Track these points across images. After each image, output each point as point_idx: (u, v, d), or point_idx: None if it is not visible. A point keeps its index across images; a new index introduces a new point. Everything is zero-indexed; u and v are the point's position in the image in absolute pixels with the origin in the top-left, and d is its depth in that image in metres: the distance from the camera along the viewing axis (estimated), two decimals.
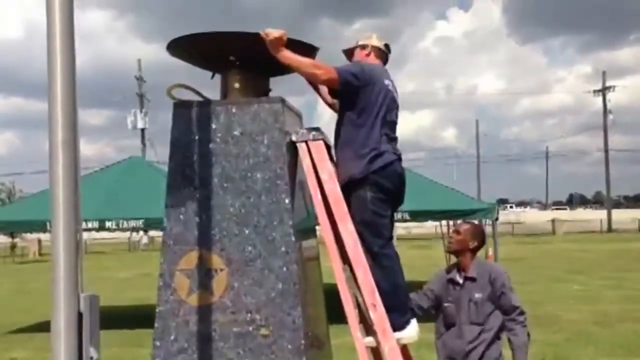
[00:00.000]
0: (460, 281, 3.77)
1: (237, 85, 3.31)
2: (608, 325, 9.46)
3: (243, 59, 3.27)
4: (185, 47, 3.32)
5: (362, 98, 3.32)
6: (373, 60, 3.57)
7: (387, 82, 3.45)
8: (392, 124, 3.45)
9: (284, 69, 3.35)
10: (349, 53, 3.66)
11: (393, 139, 3.44)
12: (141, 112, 46.41)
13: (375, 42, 3.62)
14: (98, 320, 1.80)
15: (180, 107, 3.24)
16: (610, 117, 49.27)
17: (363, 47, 3.60)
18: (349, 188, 3.27)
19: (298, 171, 3.36)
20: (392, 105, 3.43)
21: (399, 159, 3.44)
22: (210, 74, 3.49)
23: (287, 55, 3.14)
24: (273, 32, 3.09)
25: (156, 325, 3.09)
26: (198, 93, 3.36)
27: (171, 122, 3.24)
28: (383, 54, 3.64)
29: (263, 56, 3.14)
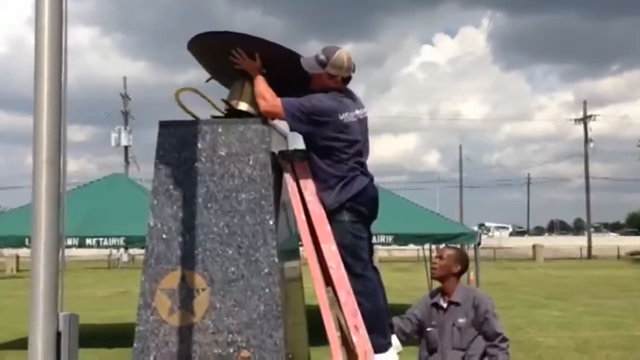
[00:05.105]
0: (445, 305, 3.77)
1: None
2: (587, 351, 9.47)
3: (272, 71, 3.27)
4: (215, 43, 3.30)
5: (319, 136, 3.24)
6: (339, 87, 3.31)
7: (350, 112, 3.27)
8: (362, 149, 3.36)
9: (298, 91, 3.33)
10: (313, 77, 3.31)
11: (363, 163, 3.37)
12: (125, 129, 46.30)
13: (345, 72, 3.29)
14: (77, 340, 1.77)
15: (166, 126, 3.23)
16: (591, 145, 50.04)
17: (331, 76, 3.28)
18: (328, 215, 3.26)
19: (282, 192, 3.36)
20: (360, 130, 3.34)
21: (371, 180, 3.40)
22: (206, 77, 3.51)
23: (257, 82, 3.24)
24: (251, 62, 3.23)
25: (135, 345, 3.05)
26: (205, 98, 3.38)
27: (156, 140, 3.23)
28: (349, 78, 3.36)
29: (281, 76, 3.22)
